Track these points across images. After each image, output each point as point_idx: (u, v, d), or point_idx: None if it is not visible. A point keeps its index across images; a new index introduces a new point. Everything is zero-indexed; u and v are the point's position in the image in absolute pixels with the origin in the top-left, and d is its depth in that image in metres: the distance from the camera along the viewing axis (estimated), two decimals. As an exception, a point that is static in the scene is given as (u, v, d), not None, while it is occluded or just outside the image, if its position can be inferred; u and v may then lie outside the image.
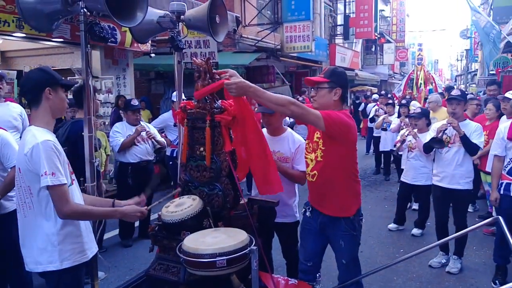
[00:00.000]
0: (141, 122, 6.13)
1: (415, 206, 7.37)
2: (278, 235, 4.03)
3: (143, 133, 5.94)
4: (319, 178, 3.25)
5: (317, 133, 3.24)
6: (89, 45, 2.93)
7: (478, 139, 4.82)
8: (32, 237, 2.54)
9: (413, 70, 21.17)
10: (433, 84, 16.47)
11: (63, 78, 2.75)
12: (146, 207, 2.94)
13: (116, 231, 6.23)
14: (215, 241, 2.55)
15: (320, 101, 3.22)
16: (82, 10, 2.86)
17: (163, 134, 7.03)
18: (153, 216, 6.43)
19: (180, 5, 3.66)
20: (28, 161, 2.43)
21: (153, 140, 6.05)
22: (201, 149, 3.13)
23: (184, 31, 4.07)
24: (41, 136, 2.47)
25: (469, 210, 7.24)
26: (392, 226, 6.66)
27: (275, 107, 2.91)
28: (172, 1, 3.69)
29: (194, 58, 3.05)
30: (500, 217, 2.77)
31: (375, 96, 14.40)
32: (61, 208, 2.44)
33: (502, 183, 4.53)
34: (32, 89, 2.57)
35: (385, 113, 10.51)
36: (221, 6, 3.66)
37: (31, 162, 2.43)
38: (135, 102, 6.16)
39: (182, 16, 3.65)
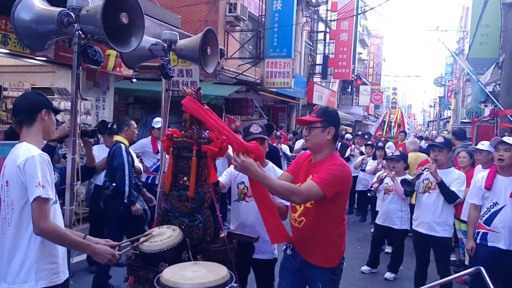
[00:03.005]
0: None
1: (389, 249, 7.36)
2: (254, 272, 3.96)
3: None
4: (307, 225, 3.16)
5: (309, 178, 3.13)
6: (80, 67, 2.91)
7: (458, 187, 4.87)
8: (7, 254, 2.49)
9: (386, 113, 21.66)
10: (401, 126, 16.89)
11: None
12: (118, 252, 2.82)
13: (84, 256, 6.02)
14: (195, 275, 2.49)
15: (314, 140, 3.18)
16: (77, 32, 2.85)
17: (139, 159, 6.94)
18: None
19: (172, 34, 3.69)
20: (19, 172, 2.44)
21: None
22: (185, 178, 3.11)
23: (172, 61, 4.09)
24: (36, 150, 2.52)
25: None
26: (365, 268, 6.61)
27: (276, 194, 3.01)
28: (164, 30, 3.72)
29: (184, 87, 3.05)
30: (482, 268, 2.80)
31: (348, 135, 14.59)
32: (39, 223, 2.40)
33: (478, 232, 4.52)
34: (28, 109, 2.64)
35: (361, 153, 10.65)
36: (213, 39, 3.70)
37: (23, 174, 2.44)
38: (113, 126, 6.09)
39: (173, 45, 3.66)
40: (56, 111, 2.85)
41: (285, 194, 2.93)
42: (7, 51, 6.67)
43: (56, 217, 2.62)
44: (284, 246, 3.45)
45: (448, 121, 37.27)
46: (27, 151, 2.49)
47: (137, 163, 6.24)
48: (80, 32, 2.88)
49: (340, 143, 14.34)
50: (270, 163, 3.98)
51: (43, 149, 2.67)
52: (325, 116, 3.19)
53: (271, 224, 3.14)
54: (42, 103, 2.69)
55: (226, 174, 3.88)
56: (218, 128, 3.00)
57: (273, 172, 3.83)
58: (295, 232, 3.30)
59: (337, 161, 3.14)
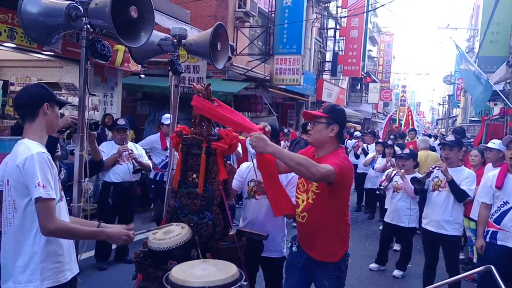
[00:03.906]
0: (129, 143, 6.02)
1: (397, 246, 7.33)
2: (262, 270, 3.94)
3: (125, 153, 5.83)
4: (309, 220, 3.16)
5: None
6: (89, 62, 2.86)
7: (468, 186, 4.85)
8: (12, 254, 2.44)
9: (395, 111, 21.49)
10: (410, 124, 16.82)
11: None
12: (133, 232, 2.81)
13: (92, 252, 6.02)
14: (204, 273, 2.45)
15: (316, 136, 3.15)
16: (85, 26, 2.80)
17: (147, 156, 6.90)
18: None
19: (182, 29, 3.64)
20: (19, 172, 2.37)
21: (133, 161, 5.90)
22: (194, 175, 3.07)
23: (182, 57, 4.02)
24: (36, 148, 2.42)
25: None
26: (373, 266, 6.58)
27: (294, 166, 2.80)
28: (173, 25, 3.67)
29: (194, 84, 3.01)
30: (492, 267, 2.75)
31: (357, 133, 14.57)
32: (45, 224, 2.34)
33: (488, 230, 4.51)
34: (30, 103, 2.53)
35: (362, 149, 10.67)
36: (224, 34, 3.65)
37: (22, 174, 2.36)
38: (122, 121, 6.05)
39: (183, 40, 3.61)
40: (61, 104, 2.73)
41: (305, 165, 2.74)
42: (14, 46, 6.64)
43: (62, 215, 2.55)
44: (290, 243, 3.43)
45: (456, 119, 36.98)
46: (27, 149, 2.41)
47: (145, 160, 6.21)
48: (89, 26, 2.84)
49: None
50: None
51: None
52: (332, 113, 3.16)
53: (275, 195, 3.11)
54: (44, 97, 2.57)
55: (236, 177, 3.83)
56: (230, 120, 2.97)
57: None
58: (299, 227, 3.29)
59: (342, 155, 3.12)
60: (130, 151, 5.84)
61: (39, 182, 2.32)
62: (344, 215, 3.22)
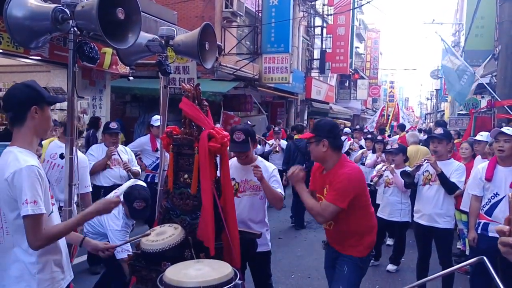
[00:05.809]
0: (119, 146, 5.98)
1: (390, 241, 7.37)
2: (250, 267, 3.93)
3: (115, 157, 5.79)
4: (336, 227, 3.39)
5: (325, 188, 3.32)
6: (76, 65, 2.84)
7: (458, 178, 4.88)
8: (7, 264, 2.34)
9: (384, 106, 21.60)
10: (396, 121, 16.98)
11: (49, 93, 2.60)
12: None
13: (85, 257, 5.98)
14: (199, 273, 2.45)
15: (314, 154, 3.39)
16: (72, 29, 2.78)
17: (137, 157, 6.87)
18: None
19: (169, 30, 3.64)
20: (8, 186, 2.25)
21: (129, 173, 5.87)
22: (185, 176, 3.06)
23: (170, 58, 4.01)
24: (25, 160, 2.29)
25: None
26: (367, 261, 6.59)
27: (307, 209, 3.36)
28: (161, 26, 3.65)
29: (183, 84, 3.00)
30: (484, 258, 2.76)
31: (347, 129, 14.62)
32: (33, 239, 2.25)
33: (479, 222, 4.53)
34: (16, 107, 2.37)
35: (360, 146, 10.65)
36: (211, 34, 3.65)
37: (11, 188, 2.24)
38: (114, 125, 6.00)
39: (171, 41, 3.61)
40: (51, 103, 2.56)
41: (312, 214, 3.34)
42: (0, 51, 6.55)
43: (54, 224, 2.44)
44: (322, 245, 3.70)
45: (444, 113, 37.22)
46: (16, 161, 2.26)
47: (135, 166, 6.14)
48: (76, 29, 2.82)
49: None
50: (259, 158, 4.03)
51: None
52: (316, 130, 3.38)
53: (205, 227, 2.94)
54: (32, 99, 2.37)
55: None
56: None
57: (263, 166, 3.86)
58: (328, 233, 3.55)
59: (344, 170, 3.25)
60: (124, 161, 5.80)
61: (27, 200, 2.20)
62: (366, 212, 3.41)
